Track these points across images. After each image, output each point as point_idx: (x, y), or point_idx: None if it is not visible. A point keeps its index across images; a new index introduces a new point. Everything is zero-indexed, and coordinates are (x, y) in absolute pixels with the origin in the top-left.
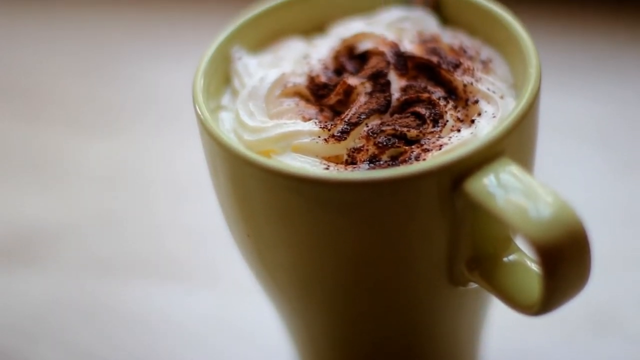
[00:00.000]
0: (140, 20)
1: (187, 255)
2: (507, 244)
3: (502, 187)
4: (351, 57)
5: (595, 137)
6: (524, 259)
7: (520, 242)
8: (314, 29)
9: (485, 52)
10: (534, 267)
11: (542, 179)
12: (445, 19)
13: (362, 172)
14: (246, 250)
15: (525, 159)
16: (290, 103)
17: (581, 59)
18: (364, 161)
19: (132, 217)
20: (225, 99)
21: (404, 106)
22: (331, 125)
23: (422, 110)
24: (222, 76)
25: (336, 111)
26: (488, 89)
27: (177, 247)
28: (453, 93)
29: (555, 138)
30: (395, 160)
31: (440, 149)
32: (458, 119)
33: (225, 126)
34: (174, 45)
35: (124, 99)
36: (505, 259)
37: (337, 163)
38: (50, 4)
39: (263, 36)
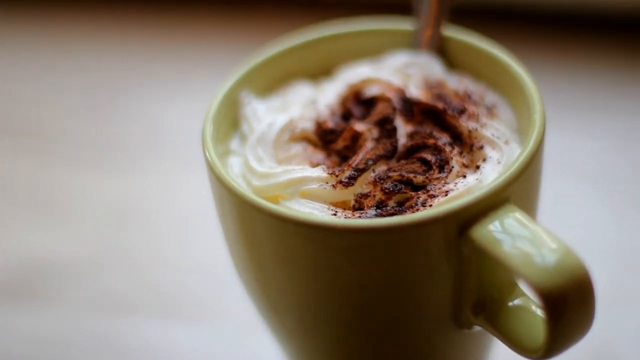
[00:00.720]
0: (145, 58)
1: (192, 291)
2: (511, 289)
3: (507, 234)
4: (358, 102)
5: (595, 175)
6: (529, 303)
7: (524, 287)
8: (321, 72)
9: (490, 97)
10: (539, 311)
11: (542, 219)
12: (451, 63)
13: (369, 220)
14: (254, 293)
15: (529, 204)
16: (298, 148)
17: (579, 97)
18: (371, 207)
19: (138, 253)
20: (234, 143)
21: (411, 152)
22: (339, 171)
23: (428, 156)
24: (230, 120)
25: (343, 156)
26: (493, 135)
27: (183, 283)
28: (458, 138)
29: (554, 176)
30: (401, 205)
31: (446, 195)
32: (463, 164)
33: (234, 171)
34: (179, 82)
35: (129, 135)
36: (510, 303)
37: (345, 208)
38: (56, 42)
39: (271, 80)
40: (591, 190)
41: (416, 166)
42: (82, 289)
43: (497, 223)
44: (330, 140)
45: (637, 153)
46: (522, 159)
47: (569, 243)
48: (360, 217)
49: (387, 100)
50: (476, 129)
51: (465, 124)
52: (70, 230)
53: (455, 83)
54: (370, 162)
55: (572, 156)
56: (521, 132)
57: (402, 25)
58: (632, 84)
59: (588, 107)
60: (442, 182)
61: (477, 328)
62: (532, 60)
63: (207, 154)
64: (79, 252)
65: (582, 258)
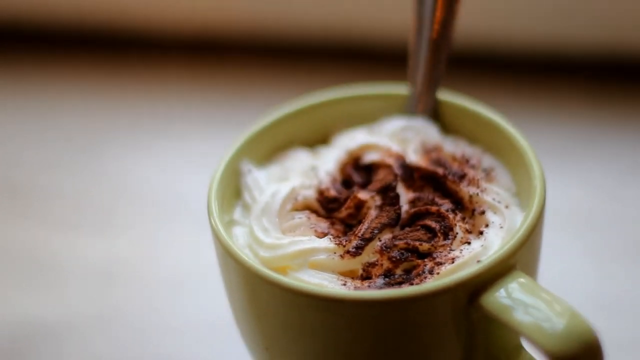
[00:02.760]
0: (136, 117)
1: (186, 355)
2: (518, 351)
3: (516, 301)
4: (357, 168)
5: (578, 225)
6: None
7: (530, 348)
8: (319, 137)
9: (487, 161)
10: None
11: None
12: (446, 127)
13: (380, 291)
14: None
15: (533, 266)
16: (301, 217)
17: (560, 145)
18: (379, 276)
19: (130, 314)
20: (237, 213)
21: (414, 218)
22: (346, 241)
23: (432, 224)
24: (233, 190)
25: (347, 224)
26: (494, 199)
27: (176, 346)
28: (459, 203)
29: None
30: (409, 273)
31: (452, 262)
32: (467, 230)
33: (239, 241)
34: (168, 142)
35: (119, 196)
36: None
37: (353, 278)
38: (44, 100)
39: (269, 148)
40: (575, 240)
41: (421, 233)
42: (73, 350)
43: (505, 290)
44: (333, 209)
45: (620, 201)
46: (526, 225)
47: (575, 307)
48: (369, 286)
49: (388, 166)
50: (477, 194)
51: (466, 190)
52: (60, 293)
53: (452, 147)
54: (376, 231)
55: (555, 205)
56: (520, 195)
57: (397, 89)
58: (614, 131)
59: (569, 156)
60: (448, 249)
61: None
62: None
63: (215, 227)
64: (64, 315)
65: (590, 322)
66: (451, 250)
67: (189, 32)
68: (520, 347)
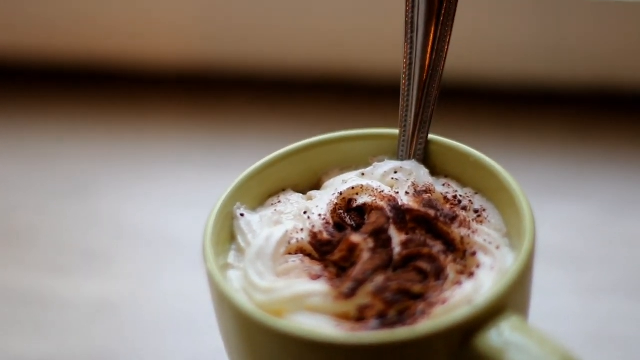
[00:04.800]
0: (130, 159)
1: None
2: None
3: (508, 342)
4: (350, 210)
5: (563, 261)
6: None
7: None
8: (310, 181)
9: (478, 202)
10: None
11: None
12: (436, 168)
13: (374, 334)
14: None
15: (524, 306)
16: (295, 260)
17: (544, 182)
18: (372, 317)
19: (120, 355)
20: (231, 256)
21: (406, 260)
22: (339, 283)
23: (424, 265)
24: (227, 233)
25: (340, 266)
26: (484, 240)
27: None
28: (451, 245)
29: None
30: (402, 314)
31: (444, 304)
32: (458, 271)
33: (234, 285)
34: (162, 183)
35: (113, 237)
36: None
37: (347, 320)
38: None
39: (262, 192)
40: (560, 277)
41: (413, 275)
42: None
43: (497, 331)
44: (326, 252)
45: (607, 237)
46: (517, 266)
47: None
48: (363, 328)
49: (380, 209)
50: (468, 236)
51: (458, 231)
52: (44, 332)
53: (443, 188)
54: (368, 274)
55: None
56: (510, 236)
57: (388, 132)
58: (600, 168)
59: (556, 192)
60: (439, 290)
61: None
62: (493, 143)
63: (211, 271)
64: (55, 355)
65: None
66: (443, 291)
67: (183, 75)
68: None
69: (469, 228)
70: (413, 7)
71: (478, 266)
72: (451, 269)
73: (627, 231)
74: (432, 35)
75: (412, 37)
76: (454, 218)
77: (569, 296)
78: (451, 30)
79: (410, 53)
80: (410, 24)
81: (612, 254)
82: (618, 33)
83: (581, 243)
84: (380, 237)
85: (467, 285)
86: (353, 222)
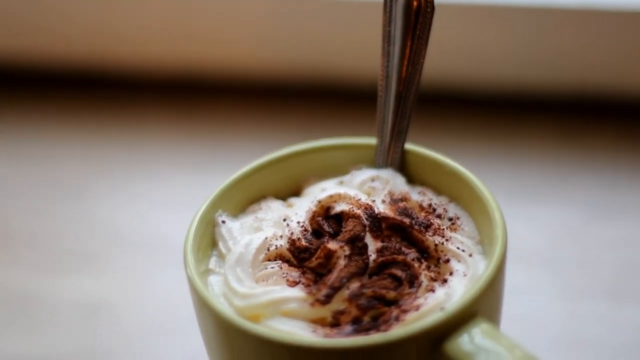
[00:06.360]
0: (122, 162)
1: None
2: None
3: (478, 347)
4: (327, 217)
5: (542, 264)
6: None
7: None
8: (291, 187)
9: (452, 210)
10: None
11: None
12: (412, 177)
13: (347, 340)
14: None
15: (495, 312)
16: (273, 266)
17: (526, 185)
18: (347, 323)
19: (111, 352)
20: (212, 262)
21: (381, 267)
22: (316, 290)
23: (398, 272)
24: (208, 240)
25: (317, 273)
26: (458, 248)
27: None
28: (425, 252)
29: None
30: (376, 320)
31: (417, 310)
32: (432, 278)
33: (215, 290)
34: (153, 186)
35: (104, 238)
36: None
37: (323, 325)
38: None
39: (243, 199)
40: (539, 279)
41: (387, 282)
42: None
43: (468, 336)
44: (304, 258)
45: (581, 241)
46: (488, 273)
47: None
48: (338, 333)
49: (356, 217)
50: (442, 243)
51: (432, 239)
52: (37, 331)
53: (419, 197)
54: (344, 280)
55: (519, 245)
56: (483, 243)
57: (366, 141)
58: (576, 172)
59: (533, 197)
60: (413, 297)
61: None
62: (476, 147)
63: (191, 277)
64: (48, 354)
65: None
66: (416, 297)
67: (176, 81)
68: None
69: (443, 236)
70: (390, 21)
71: (451, 273)
72: (425, 276)
73: (606, 235)
74: (408, 49)
75: (389, 50)
76: (428, 226)
77: (548, 298)
78: (427, 44)
79: (387, 66)
80: (387, 37)
81: (591, 257)
82: (597, 42)
83: (561, 246)
84: (357, 245)
85: (440, 292)
86: (331, 229)
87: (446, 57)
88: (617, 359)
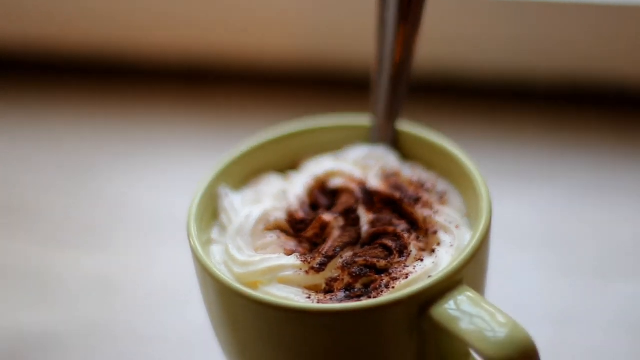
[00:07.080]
0: (129, 142)
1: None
2: (466, 358)
3: (462, 313)
4: (323, 192)
5: (532, 244)
6: None
7: (477, 357)
8: (290, 164)
9: (441, 185)
10: None
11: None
12: (404, 155)
13: (340, 304)
14: None
15: (479, 281)
16: (272, 236)
17: (517, 168)
18: (340, 289)
19: (122, 324)
20: (215, 233)
21: (373, 238)
22: (310, 258)
23: (389, 242)
24: (211, 212)
25: (313, 242)
26: (445, 220)
27: (163, 352)
28: (415, 224)
29: (494, 245)
30: (367, 287)
31: (406, 278)
32: (420, 248)
33: (216, 258)
34: (159, 165)
35: (113, 214)
36: None
37: (317, 291)
38: (39, 125)
39: (245, 174)
40: (530, 257)
41: (379, 251)
42: None
43: (453, 303)
44: (300, 229)
45: (570, 220)
46: (472, 244)
47: (515, 317)
48: (331, 299)
49: (350, 191)
50: (430, 216)
51: (421, 212)
52: (48, 305)
53: (410, 172)
54: (338, 249)
55: (510, 225)
56: (470, 216)
57: (361, 121)
58: (566, 154)
59: (523, 177)
60: (402, 265)
61: None
62: (468, 132)
63: (193, 246)
64: (61, 329)
65: (528, 330)
66: (405, 266)
67: (181, 65)
68: (469, 355)
69: (432, 209)
70: (384, 6)
71: (439, 244)
72: (414, 246)
73: (594, 214)
74: (401, 33)
75: (383, 34)
76: (417, 200)
77: (538, 275)
78: (419, 29)
79: (381, 49)
80: (381, 22)
81: (579, 236)
82: (587, 33)
83: (550, 226)
84: (350, 216)
85: (428, 261)
86: (326, 203)
87: (441, 45)
88: (604, 334)
